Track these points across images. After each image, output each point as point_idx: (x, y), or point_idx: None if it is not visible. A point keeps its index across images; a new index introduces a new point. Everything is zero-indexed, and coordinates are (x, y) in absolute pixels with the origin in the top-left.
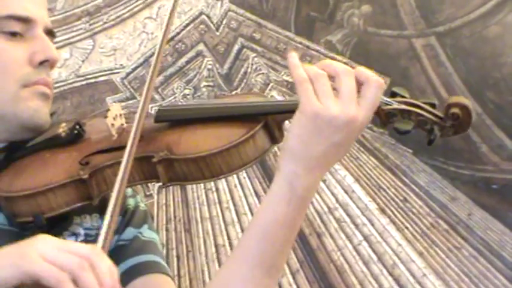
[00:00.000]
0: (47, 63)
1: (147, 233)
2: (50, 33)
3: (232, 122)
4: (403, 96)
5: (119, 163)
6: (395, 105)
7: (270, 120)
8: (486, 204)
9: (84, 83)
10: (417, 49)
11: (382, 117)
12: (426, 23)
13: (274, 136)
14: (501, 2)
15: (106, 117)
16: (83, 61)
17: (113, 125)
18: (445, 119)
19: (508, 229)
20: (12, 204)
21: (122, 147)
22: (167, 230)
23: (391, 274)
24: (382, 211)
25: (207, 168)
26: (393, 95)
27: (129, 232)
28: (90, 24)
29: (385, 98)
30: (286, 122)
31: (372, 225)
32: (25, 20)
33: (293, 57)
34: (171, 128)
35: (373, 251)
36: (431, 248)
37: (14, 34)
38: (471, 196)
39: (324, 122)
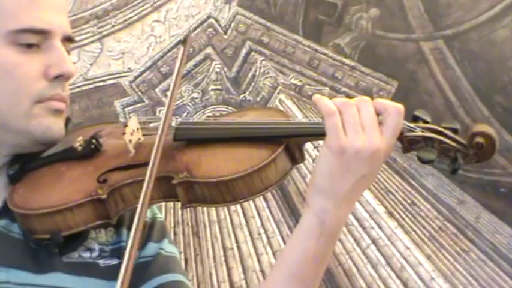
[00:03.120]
0: (62, 78)
1: (168, 247)
2: (68, 39)
3: (253, 143)
4: (425, 121)
5: (138, 182)
6: (419, 132)
7: (291, 142)
8: (494, 207)
9: (92, 86)
10: (425, 52)
11: (405, 144)
12: (434, 26)
13: (295, 157)
14: (509, 6)
15: (124, 133)
16: (91, 64)
17: (130, 141)
18: (468, 147)
19: None
20: (29, 221)
21: (140, 165)
22: (175, 233)
23: (399, 277)
24: (390, 214)
25: (228, 192)
26: (415, 119)
27: (151, 247)
28: (98, 28)
29: (408, 124)
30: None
31: (380, 228)
32: (42, 32)
33: (317, 95)
34: (191, 146)
35: (381, 254)
36: (440, 251)
37: (29, 46)
38: (479, 199)
39: (350, 157)
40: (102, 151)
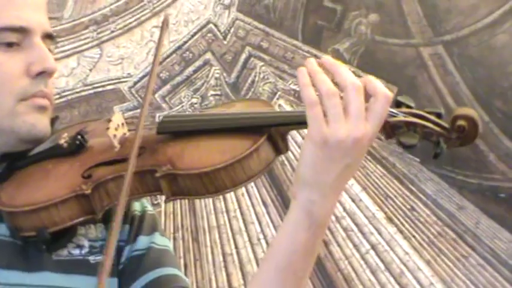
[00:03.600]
0: (45, 74)
1: (159, 240)
2: (49, 36)
3: (235, 134)
4: (408, 106)
5: (122, 176)
6: (401, 117)
7: (274, 131)
8: (494, 213)
9: (91, 91)
10: (424, 58)
11: (387, 130)
12: (433, 31)
13: (279, 147)
14: (508, 11)
15: (108, 128)
16: (90, 70)
17: (115, 136)
18: (450, 130)
19: None
20: (15, 219)
21: (125, 160)
22: (175, 239)
23: (398, 283)
24: (390, 220)
25: (211, 183)
26: (398, 104)
27: (142, 241)
28: (98, 33)
29: (391, 109)
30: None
31: (379, 234)
32: (20, 30)
33: (303, 74)
34: (174, 139)
35: (381, 259)
36: (439, 256)
37: (10, 44)
38: (479, 205)
39: (333, 148)
40: (88, 147)
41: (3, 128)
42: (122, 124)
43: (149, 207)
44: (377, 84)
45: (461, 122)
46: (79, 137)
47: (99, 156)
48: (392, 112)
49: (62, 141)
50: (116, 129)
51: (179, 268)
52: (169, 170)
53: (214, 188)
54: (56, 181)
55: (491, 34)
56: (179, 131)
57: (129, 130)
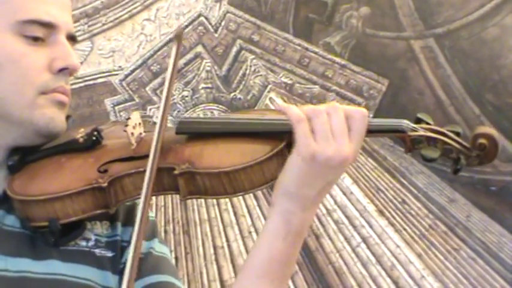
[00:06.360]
0: (66, 71)
1: (158, 247)
2: (72, 38)
3: (255, 138)
4: (428, 123)
5: (139, 173)
6: (422, 132)
7: (293, 139)
8: (485, 206)
9: (82, 84)
10: (416, 51)
11: (408, 144)
12: (425, 24)
13: None
14: (499, 4)
15: (127, 125)
16: (81, 63)
17: (132, 133)
18: (471, 148)
19: (506, 231)
20: (27, 208)
21: (142, 157)
22: (166, 231)
23: (389, 276)
24: (381, 213)
25: (230, 183)
26: (418, 121)
27: (142, 245)
28: (89, 26)
29: (412, 124)
30: None
31: (371, 227)
32: (48, 25)
33: (280, 104)
34: (192, 140)
35: (372, 252)
36: (430, 249)
37: (35, 39)
38: (470, 198)
39: (320, 164)
40: (104, 143)
41: (21, 119)
42: (139, 124)
43: (151, 214)
44: (350, 107)
45: (482, 140)
46: (95, 132)
47: (115, 153)
48: (414, 127)
49: (78, 136)
50: (134, 127)
51: (176, 276)
52: (188, 168)
53: (232, 189)
54: (71, 173)
55: (482, 27)
56: (198, 132)
57: (144, 131)
